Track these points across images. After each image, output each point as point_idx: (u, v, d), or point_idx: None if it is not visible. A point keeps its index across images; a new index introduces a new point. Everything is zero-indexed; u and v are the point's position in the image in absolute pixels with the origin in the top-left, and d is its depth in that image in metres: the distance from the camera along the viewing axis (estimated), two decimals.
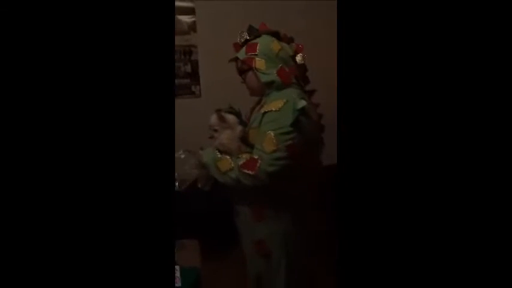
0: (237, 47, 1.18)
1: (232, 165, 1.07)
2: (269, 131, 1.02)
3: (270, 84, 1.09)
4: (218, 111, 1.17)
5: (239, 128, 1.15)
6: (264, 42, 1.11)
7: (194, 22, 2.12)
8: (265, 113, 1.05)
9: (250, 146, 1.11)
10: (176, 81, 2.12)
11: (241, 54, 1.13)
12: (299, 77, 1.16)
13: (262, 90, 1.14)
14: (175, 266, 1.11)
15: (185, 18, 2.10)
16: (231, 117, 1.17)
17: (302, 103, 1.02)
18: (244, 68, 1.15)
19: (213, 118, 1.17)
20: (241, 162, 1.06)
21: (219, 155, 1.12)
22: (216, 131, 1.17)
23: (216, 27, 2.18)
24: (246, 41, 1.15)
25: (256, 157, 1.03)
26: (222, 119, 1.15)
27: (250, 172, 1.03)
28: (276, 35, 1.16)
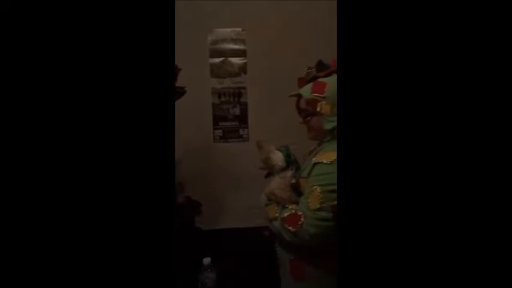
0: (302, 82, 1.03)
1: (277, 214, 0.97)
2: (316, 186, 0.88)
3: (331, 132, 0.95)
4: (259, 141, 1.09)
5: (289, 174, 1.02)
6: (335, 85, 0.90)
7: (245, 64, 2.04)
8: (315, 164, 0.92)
9: (301, 195, 0.98)
10: (227, 123, 2.06)
11: (306, 91, 0.97)
12: None
13: (323, 137, 0.99)
14: None
15: (236, 60, 2.04)
16: (279, 155, 1.07)
17: None
18: (307, 109, 1.00)
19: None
20: (285, 214, 0.94)
21: (268, 201, 1.03)
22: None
23: (265, 68, 2.10)
24: (314, 78, 0.99)
25: (300, 213, 0.91)
26: (260, 147, 1.08)
27: (290, 228, 0.91)
28: None
